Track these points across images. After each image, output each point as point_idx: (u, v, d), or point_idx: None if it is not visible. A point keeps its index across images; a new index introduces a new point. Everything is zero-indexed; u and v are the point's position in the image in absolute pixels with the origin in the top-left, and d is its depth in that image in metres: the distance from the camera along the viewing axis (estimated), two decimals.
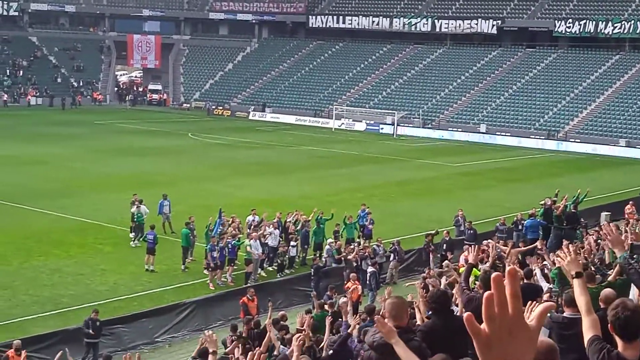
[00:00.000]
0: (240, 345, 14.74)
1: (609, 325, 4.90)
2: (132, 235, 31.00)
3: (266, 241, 28.32)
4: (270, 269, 28.78)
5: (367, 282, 25.24)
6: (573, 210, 28.28)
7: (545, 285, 14.46)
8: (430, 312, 9.63)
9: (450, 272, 20.76)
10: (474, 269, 19.79)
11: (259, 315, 20.32)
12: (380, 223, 32.95)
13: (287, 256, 28.59)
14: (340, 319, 15.94)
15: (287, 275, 27.82)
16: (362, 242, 29.62)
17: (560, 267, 15.89)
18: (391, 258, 28.13)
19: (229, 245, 26.68)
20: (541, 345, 4.46)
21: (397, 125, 75.97)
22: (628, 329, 4.83)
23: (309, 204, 36.25)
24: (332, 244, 28.18)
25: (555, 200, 30.42)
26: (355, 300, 20.91)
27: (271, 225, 29.05)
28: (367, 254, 26.79)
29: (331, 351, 12.17)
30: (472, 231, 29.99)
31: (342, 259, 26.83)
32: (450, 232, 30.38)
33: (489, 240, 27.10)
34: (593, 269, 14.63)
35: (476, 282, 15.47)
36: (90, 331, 19.88)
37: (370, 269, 25.47)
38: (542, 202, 29.93)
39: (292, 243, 28.87)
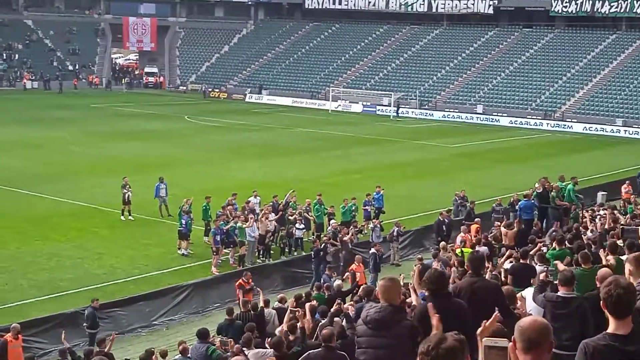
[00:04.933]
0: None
1: (601, 302, 4.94)
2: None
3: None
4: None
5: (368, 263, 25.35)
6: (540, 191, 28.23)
7: (540, 268, 14.50)
8: (426, 294, 9.65)
9: (447, 253, 20.88)
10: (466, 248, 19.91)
11: (254, 298, 20.33)
12: None
13: (292, 238, 28.69)
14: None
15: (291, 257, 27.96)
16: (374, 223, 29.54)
17: (555, 248, 15.99)
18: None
19: (221, 229, 26.77)
20: (535, 325, 4.48)
21: (399, 106, 75.79)
22: (619, 306, 4.90)
23: (306, 186, 36.32)
24: (333, 223, 28.26)
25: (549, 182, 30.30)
26: (361, 283, 20.77)
27: (267, 209, 29.11)
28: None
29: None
30: (467, 210, 30.11)
31: (339, 240, 26.87)
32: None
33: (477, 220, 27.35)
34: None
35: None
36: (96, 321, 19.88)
37: (371, 251, 25.56)
38: (536, 186, 29.84)
39: (297, 225, 28.89)
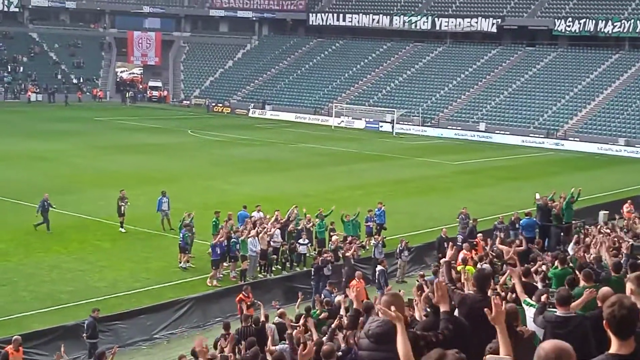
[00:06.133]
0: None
1: (604, 321, 4.92)
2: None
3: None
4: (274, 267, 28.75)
5: (376, 280, 25.29)
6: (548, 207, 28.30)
7: (541, 285, 14.48)
8: (428, 310, 9.67)
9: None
10: (468, 266, 19.91)
11: (255, 312, 20.31)
12: None
13: (294, 253, 28.65)
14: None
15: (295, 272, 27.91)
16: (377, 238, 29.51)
17: (557, 267, 15.97)
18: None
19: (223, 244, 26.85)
20: (556, 348, 4.47)
21: (396, 123, 76.04)
22: (623, 327, 4.85)
23: (309, 201, 36.29)
24: (335, 239, 28.24)
25: (553, 199, 30.44)
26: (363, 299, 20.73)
27: (272, 225, 29.04)
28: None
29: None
30: (469, 227, 30.08)
31: (341, 256, 26.85)
32: (450, 230, 30.36)
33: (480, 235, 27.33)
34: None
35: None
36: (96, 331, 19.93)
37: (378, 268, 25.52)
38: (537, 198, 29.96)
39: (301, 241, 28.86)
